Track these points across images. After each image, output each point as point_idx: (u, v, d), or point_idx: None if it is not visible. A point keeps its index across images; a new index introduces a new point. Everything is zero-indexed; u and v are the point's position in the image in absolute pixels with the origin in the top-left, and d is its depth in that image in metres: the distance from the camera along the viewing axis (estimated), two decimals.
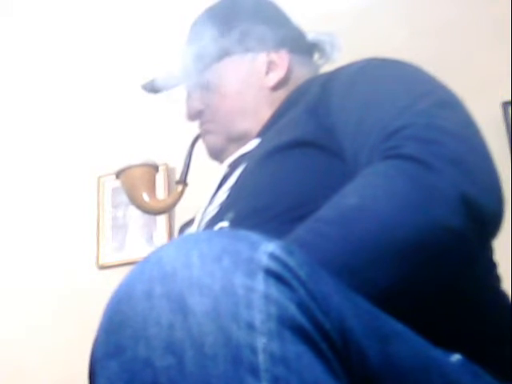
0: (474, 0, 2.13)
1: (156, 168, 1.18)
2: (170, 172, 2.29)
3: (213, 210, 0.92)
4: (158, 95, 1.15)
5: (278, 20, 1.08)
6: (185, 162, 1.15)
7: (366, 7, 2.17)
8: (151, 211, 1.16)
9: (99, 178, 2.37)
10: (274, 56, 1.04)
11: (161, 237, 2.23)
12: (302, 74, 1.05)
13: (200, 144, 1.13)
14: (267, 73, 1.04)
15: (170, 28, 2.08)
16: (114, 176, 1.18)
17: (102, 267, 2.27)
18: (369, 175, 0.71)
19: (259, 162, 0.87)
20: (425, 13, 2.17)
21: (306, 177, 0.82)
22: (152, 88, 1.13)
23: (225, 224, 0.82)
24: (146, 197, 1.13)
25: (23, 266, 2.37)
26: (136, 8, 2.50)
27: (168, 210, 1.16)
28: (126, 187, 1.15)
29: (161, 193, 2.20)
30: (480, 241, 0.72)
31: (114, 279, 0.55)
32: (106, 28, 2.54)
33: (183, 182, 1.15)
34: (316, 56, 1.11)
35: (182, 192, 1.15)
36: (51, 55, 2.59)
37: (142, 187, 1.13)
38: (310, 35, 1.10)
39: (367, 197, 0.68)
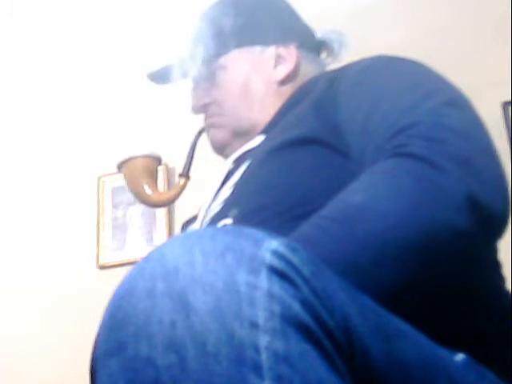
0: (474, 0, 2.13)
1: (159, 160, 1.16)
2: (169, 172, 2.29)
3: (216, 206, 0.91)
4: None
5: (288, 15, 1.08)
6: (188, 156, 1.14)
7: (365, 6, 2.17)
8: (152, 204, 1.15)
9: (99, 177, 2.37)
10: (282, 50, 1.03)
11: (161, 237, 2.23)
12: (309, 71, 1.04)
13: (202, 140, 1.12)
14: (275, 66, 1.03)
15: (174, 21, 2.08)
16: (116, 171, 1.16)
17: (102, 267, 2.27)
18: (375, 173, 0.71)
19: (264, 158, 0.87)
20: (424, 12, 2.16)
21: (311, 174, 0.81)
22: (158, 78, 1.12)
23: (228, 221, 0.82)
24: (147, 189, 1.12)
25: (23, 265, 2.37)
26: (137, 4, 2.49)
27: (169, 203, 1.15)
28: (127, 179, 1.14)
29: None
30: (485, 241, 0.71)
31: (114, 279, 0.55)
32: (107, 25, 2.54)
33: (186, 175, 1.14)
34: (324, 54, 1.11)
35: (184, 185, 1.14)
36: (51, 55, 2.59)
37: (143, 179, 1.12)
38: (319, 33, 1.10)
39: (372, 195, 0.68)
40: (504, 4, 2.02)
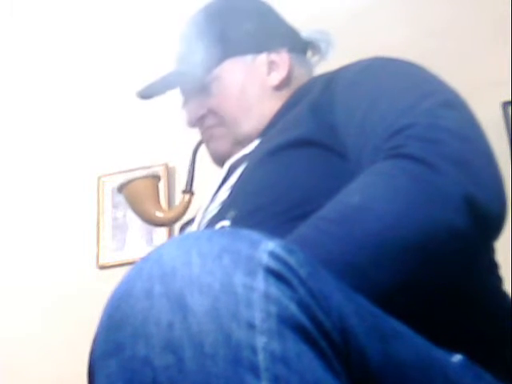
0: (474, 0, 2.13)
1: (158, 178, 1.16)
2: (170, 172, 2.29)
3: (214, 208, 0.91)
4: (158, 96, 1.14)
5: (274, 20, 1.08)
6: (189, 171, 1.13)
7: (365, 6, 2.17)
8: (158, 224, 1.15)
9: (99, 177, 2.37)
10: (274, 56, 1.03)
11: (161, 237, 2.23)
12: (302, 73, 1.04)
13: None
14: (269, 73, 1.03)
15: (169, 30, 2.08)
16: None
17: (102, 267, 2.27)
18: (372, 174, 0.71)
19: (261, 160, 0.87)
20: (424, 13, 2.17)
21: (308, 175, 0.82)
22: (148, 94, 1.12)
23: (226, 223, 0.82)
24: (153, 210, 1.12)
25: (23, 265, 2.37)
26: (134, 11, 2.50)
27: (177, 220, 1.14)
28: (129, 201, 1.13)
29: (161, 192, 2.19)
30: (482, 241, 0.72)
31: (114, 279, 0.55)
32: (106, 29, 2.54)
33: (189, 191, 1.14)
34: (309, 54, 1.11)
35: (189, 202, 1.13)
36: (51, 56, 2.59)
37: (146, 201, 1.11)
38: (304, 33, 1.10)
39: (370, 196, 0.68)
40: (504, 4, 2.02)
